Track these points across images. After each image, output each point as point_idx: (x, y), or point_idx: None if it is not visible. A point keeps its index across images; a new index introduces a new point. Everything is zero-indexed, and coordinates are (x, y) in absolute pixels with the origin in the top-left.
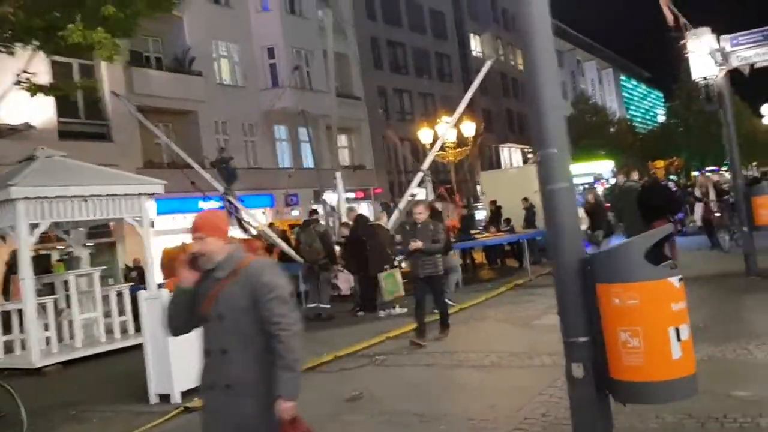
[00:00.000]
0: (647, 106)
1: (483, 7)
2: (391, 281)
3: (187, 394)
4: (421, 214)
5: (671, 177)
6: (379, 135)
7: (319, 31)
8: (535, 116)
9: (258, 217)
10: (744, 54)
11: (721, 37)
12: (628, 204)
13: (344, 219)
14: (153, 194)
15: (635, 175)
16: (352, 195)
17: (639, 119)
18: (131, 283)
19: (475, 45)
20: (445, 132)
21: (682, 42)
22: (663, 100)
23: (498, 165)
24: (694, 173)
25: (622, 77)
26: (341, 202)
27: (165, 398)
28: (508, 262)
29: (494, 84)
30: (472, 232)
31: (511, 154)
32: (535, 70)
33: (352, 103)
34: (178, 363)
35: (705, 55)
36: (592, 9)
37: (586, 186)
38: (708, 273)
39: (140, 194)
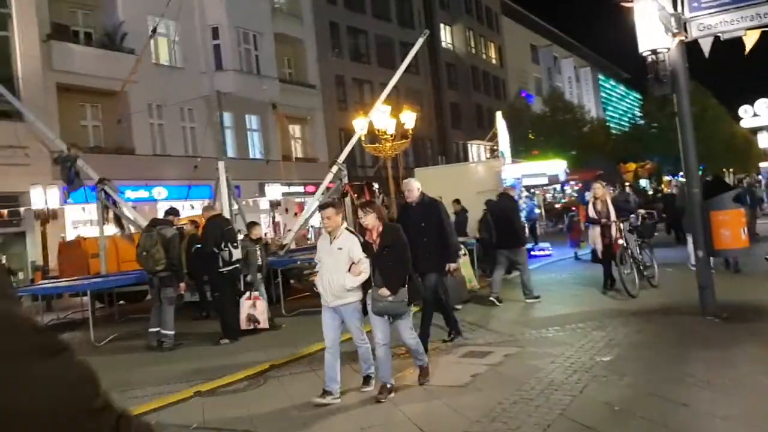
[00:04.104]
0: (625, 108)
1: None
2: None
3: None
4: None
5: (641, 181)
6: (335, 126)
7: (270, 12)
8: None
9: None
10: (707, 21)
11: None
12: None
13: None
14: None
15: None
16: (301, 189)
17: (616, 120)
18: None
19: (445, 36)
20: (365, 123)
21: (626, 3)
22: (641, 101)
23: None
24: (667, 177)
25: (601, 77)
26: (223, 199)
27: None
28: None
29: (463, 77)
30: None
31: (480, 151)
32: None
33: (306, 92)
34: None
35: (655, 22)
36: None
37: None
38: (650, 306)
39: None
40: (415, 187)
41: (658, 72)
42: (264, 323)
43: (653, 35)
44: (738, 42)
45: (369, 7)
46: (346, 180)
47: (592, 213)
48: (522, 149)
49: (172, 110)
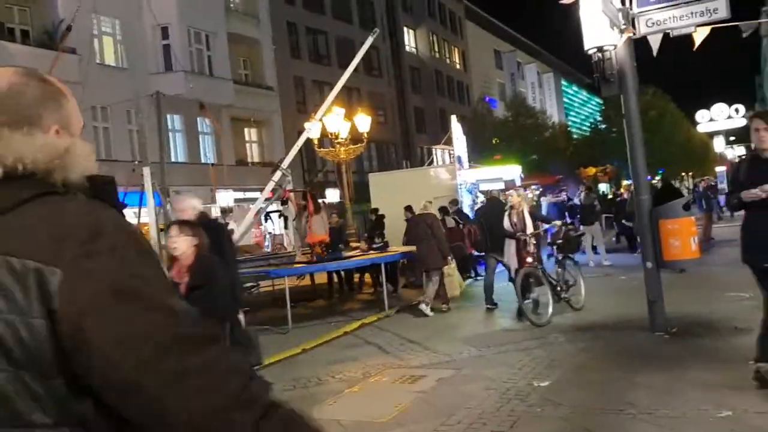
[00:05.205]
0: (587, 113)
1: (418, 0)
2: None
3: None
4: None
5: (600, 185)
6: (294, 129)
7: (223, 11)
8: None
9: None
10: (656, 17)
11: None
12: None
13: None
14: None
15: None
16: (257, 195)
17: (578, 125)
18: None
19: (409, 39)
20: (313, 125)
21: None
22: (602, 106)
23: None
24: (625, 182)
25: (564, 82)
26: (150, 207)
27: None
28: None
29: (428, 82)
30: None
31: (445, 156)
32: None
33: (263, 94)
34: None
35: (601, 17)
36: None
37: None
38: (598, 321)
39: None
40: (189, 206)
41: (605, 71)
42: None
43: (599, 32)
44: (699, 47)
45: (329, 8)
46: (290, 186)
47: (507, 225)
48: (485, 153)
49: (118, 112)
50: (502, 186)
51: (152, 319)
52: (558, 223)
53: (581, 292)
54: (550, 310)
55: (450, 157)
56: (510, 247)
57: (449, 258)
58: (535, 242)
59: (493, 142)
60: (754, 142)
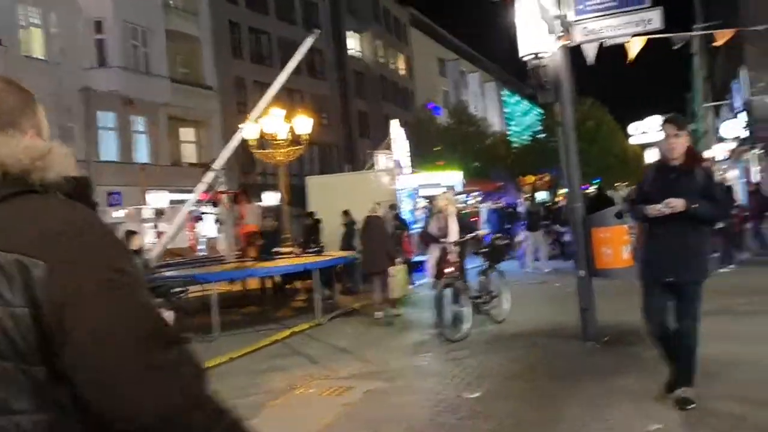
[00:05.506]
0: (529, 122)
1: (364, 4)
2: None
3: None
4: None
5: (538, 193)
6: (233, 130)
7: (162, 7)
8: None
9: None
10: (591, 26)
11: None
12: None
13: None
14: None
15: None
16: (192, 197)
17: (518, 134)
18: None
19: (354, 44)
20: (250, 126)
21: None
22: (543, 116)
23: None
24: (562, 190)
25: (506, 92)
26: None
27: None
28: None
29: (372, 86)
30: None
31: (388, 162)
32: None
33: (202, 93)
34: None
35: (538, 24)
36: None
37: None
38: (532, 329)
39: None
40: None
41: (540, 77)
42: None
43: (535, 38)
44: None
45: (273, 9)
46: (223, 188)
47: (433, 230)
48: (428, 159)
49: (46, 108)
50: (444, 191)
51: (130, 313)
52: (482, 232)
53: (504, 304)
54: (467, 325)
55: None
56: (432, 253)
57: (396, 260)
58: (459, 251)
59: (435, 149)
60: (662, 148)
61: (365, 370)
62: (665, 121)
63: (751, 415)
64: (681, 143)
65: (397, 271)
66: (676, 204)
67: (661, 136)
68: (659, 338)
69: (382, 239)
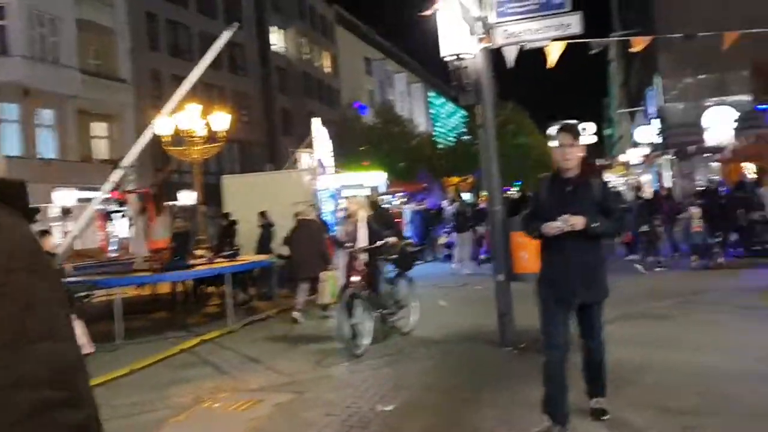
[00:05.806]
0: (453, 124)
1: (288, 0)
2: None
3: None
4: None
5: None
6: (148, 125)
7: None
8: None
9: None
10: (512, 29)
11: (484, 0)
12: None
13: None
14: None
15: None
16: (104, 195)
17: (444, 136)
18: None
19: (277, 40)
20: (162, 122)
21: (426, 13)
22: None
23: None
24: (484, 192)
25: (432, 93)
26: None
27: None
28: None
29: (295, 83)
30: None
31: (312, 161)
32: None
33: (115, 86)
34: None
35: (459, 25)
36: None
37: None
38: (450, 335)
39: None
40: None
41: (462, 79)
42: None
43: (457, 39)
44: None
45: (192, 1)
46: (132, 186)
47: (341, 235)
48: (353, 159)
49: None
50: (368, 192)
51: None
52: (392, 240)
53: (412, 314)
54: (367, 341)
55: (320, 163)
56: (340, 259)
57: (329, 265)
58: (367, 258)
59: (360, 148)
60: (557, 158)
61: (276, 381)
62: (559, 130)
63: (659, 422)
64: (576, 153)
65: (328, 277)
66: (576, 222)
67: (580, 140)
68: (559, 365)
69: (313, 243)
